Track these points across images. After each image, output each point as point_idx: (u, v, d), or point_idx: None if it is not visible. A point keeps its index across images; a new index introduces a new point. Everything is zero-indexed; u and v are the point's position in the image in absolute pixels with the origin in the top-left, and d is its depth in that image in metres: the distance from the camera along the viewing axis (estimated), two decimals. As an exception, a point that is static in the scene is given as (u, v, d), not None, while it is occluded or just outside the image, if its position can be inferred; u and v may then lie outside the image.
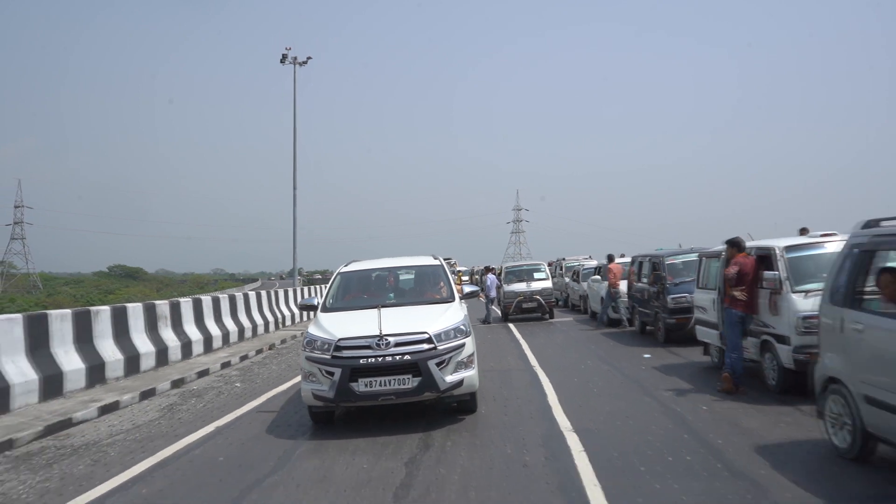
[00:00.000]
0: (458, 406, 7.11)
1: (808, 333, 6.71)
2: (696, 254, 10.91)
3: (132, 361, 10.67)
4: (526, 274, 19.85)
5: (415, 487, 4.87)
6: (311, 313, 8.81)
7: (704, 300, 9.48)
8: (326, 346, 6.56)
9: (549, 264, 26.99)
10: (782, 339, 7.26)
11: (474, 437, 6.24)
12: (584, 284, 19.92)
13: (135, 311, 11.31)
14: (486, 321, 18.67)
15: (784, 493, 4.34)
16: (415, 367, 6.41)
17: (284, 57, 29.32)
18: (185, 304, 13.42)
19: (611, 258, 16.51)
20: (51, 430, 7.26)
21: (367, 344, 6.46)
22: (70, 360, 9.24)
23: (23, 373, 8.28)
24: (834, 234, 7.47)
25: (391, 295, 8.11)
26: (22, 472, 5.86)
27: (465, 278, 34.20)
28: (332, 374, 6.43)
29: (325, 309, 7.62)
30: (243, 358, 13.20)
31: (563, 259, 26.96)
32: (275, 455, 6.01)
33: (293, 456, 5.97)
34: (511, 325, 17.86)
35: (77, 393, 9.10)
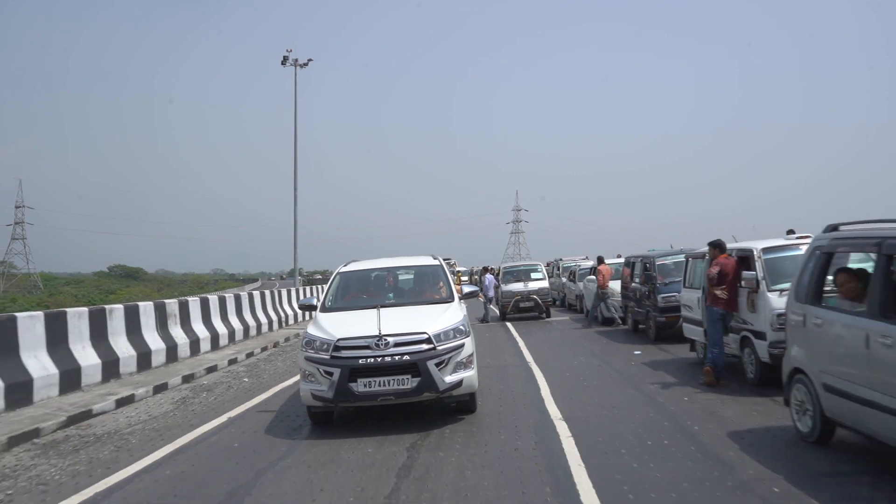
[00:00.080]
0: (458, 406, 7.18)
1: (783, 329, 7.15)
2: (684, 255, 11.39)
3: (144, 357, 11.16)
4: (523, 274, 20.38)
5: (416, 468, 5.35)
6: (312, 313, 8.96)
7: (690, 299, 9.97)
8: (325, 347, 6.59)
9: (547, 265, 27.52)
10: (760, 335, 7.74)
11: (471, 425, 6.70)
12: (580, 284, 20.38)
13: (146, 309, 11.79)
14: (484, 320, 19.14)
15: (748, 471, 4.83)
16: (414, 367, 6.43)
17: (285, 59, 29.64)
18: (194, 302, 13.92)
19: (600, 260, 16.98)
20: (73, 420, 7.73)
21: (366, 344, 6.48)
22: (87, 356, 9.71)
23: (44, 367, 8.75)
24: (809, 237, 7.95)
25: (390, 295, 8.14)
26: (52, 458, 6.31)
27: (465, 278, 34.55)
28: (331, 374, 6.45)
29: (325, 309, 7.65)
30: (249, 355, 13.69)
31: (561, 259, 27.46)
32: (286, 442, 6.49)
33: (303, 442, 6.45)
34: (508, 324, 18.36)
35: (94, 387, 9.57)
